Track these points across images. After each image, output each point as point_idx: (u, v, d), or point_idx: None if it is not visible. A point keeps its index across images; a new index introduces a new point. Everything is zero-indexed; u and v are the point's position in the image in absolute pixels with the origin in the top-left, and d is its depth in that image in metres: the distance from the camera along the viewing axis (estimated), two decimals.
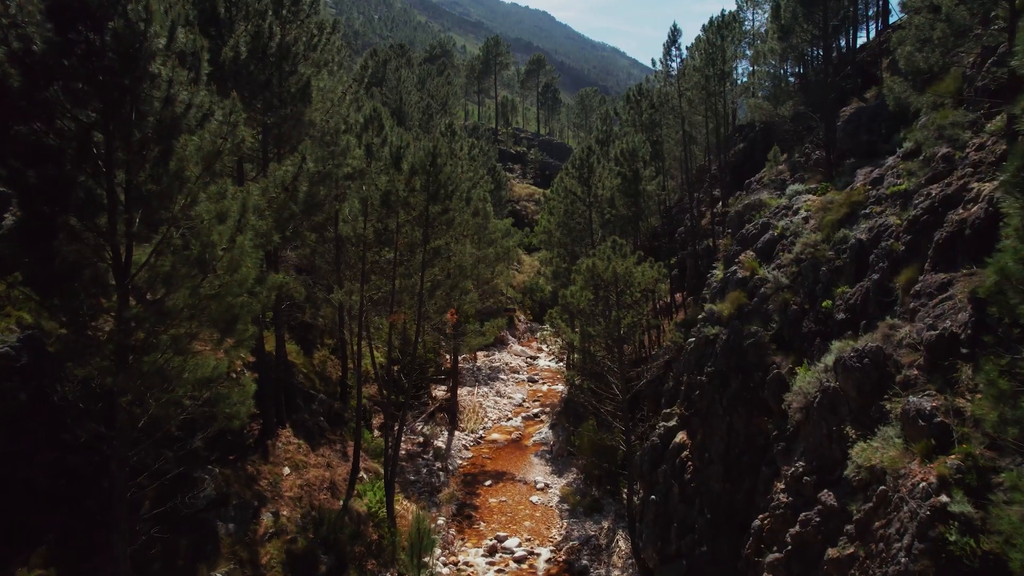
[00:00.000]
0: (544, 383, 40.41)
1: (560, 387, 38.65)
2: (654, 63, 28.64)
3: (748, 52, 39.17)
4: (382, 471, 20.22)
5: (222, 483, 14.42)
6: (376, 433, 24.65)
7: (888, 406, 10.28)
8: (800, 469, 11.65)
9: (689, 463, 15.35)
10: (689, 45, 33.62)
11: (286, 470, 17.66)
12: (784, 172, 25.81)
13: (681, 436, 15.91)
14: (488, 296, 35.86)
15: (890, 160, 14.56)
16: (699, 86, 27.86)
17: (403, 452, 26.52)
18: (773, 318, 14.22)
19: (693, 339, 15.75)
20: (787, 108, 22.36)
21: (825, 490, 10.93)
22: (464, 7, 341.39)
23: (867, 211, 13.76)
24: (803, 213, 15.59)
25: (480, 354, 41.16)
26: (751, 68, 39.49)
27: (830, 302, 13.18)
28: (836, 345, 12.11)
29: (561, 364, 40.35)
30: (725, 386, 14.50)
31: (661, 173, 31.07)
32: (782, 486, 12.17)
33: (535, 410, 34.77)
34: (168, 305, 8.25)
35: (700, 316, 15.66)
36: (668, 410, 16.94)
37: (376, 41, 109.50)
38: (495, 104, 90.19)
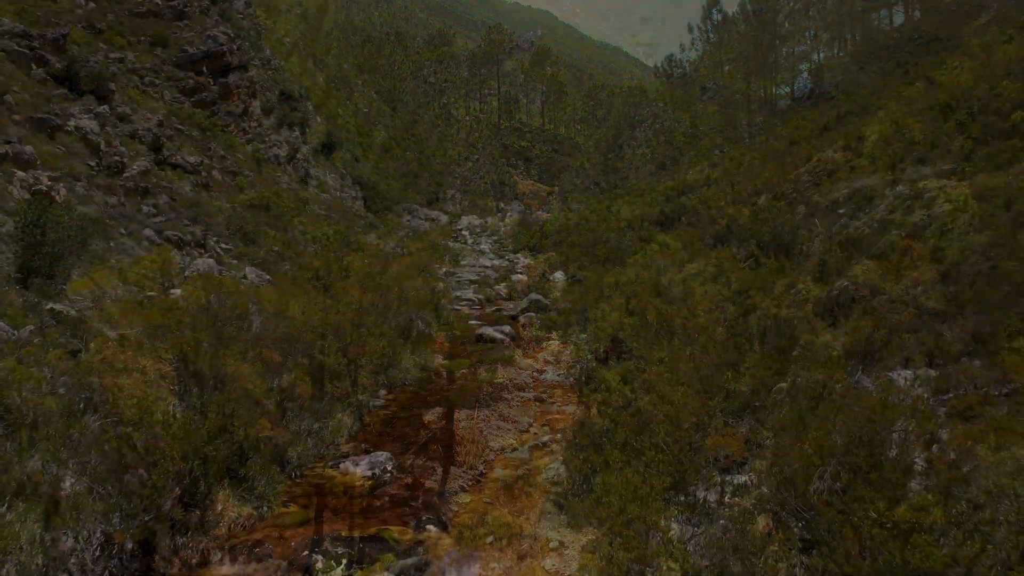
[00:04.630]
0: (553, 402, 35.69)
1: (571, 408, 34.00)
2: (690, 28, 23.97)
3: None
4: None
5: None
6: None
7: None
8: None
9: None
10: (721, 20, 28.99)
11: None
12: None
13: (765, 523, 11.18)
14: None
15: None
16: (743, 56, 23.21)
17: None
18: None
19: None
20: (868, 73, 17.63)
21: None
22: (466, 5, 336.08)
23: None
24: (943, 205, 10.88)
25: (481, 368, 36.53)
26: (791, 50, 35.24)
27: None
28: None
29: (571, 379, 35.68)
30: None
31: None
32: None
33: (544, 437, 29.78)
34: None
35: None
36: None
37: (376, 37, 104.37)
38: (497, 100, 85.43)
